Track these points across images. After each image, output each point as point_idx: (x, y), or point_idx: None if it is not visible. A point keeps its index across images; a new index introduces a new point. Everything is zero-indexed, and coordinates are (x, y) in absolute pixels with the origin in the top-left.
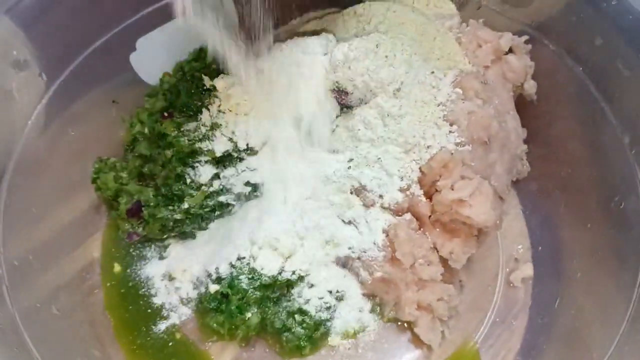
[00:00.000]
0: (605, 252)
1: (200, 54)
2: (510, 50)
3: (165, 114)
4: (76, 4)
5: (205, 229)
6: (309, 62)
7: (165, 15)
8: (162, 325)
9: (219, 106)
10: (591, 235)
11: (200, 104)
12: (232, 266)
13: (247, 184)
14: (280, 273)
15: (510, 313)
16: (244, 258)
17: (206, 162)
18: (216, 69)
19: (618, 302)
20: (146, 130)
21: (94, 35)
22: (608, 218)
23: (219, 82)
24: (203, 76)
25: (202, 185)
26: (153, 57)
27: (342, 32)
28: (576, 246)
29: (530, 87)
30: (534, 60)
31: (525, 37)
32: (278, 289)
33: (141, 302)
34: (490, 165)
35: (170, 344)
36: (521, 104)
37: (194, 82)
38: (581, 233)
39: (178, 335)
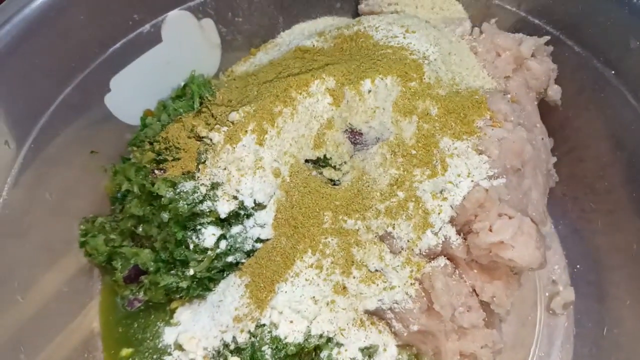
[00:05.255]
0: None
1: (185, 90)
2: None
3: (156, 172)
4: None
5: (213, 290)
6: (313, 103)
7: (138, 47)
8: None
9: (217, 162)
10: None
11: (195, 158)
12: (252, 334)
13: (258, 240)
14: (307, 339)
15: (554, 345)
16: (264, 325)
17: (209, 223)
18: (209, 111)
19: None
20: (135, 189)
21: (60, 84)
22: None
23: (216, 135)
24: (193, 123)
25: (207, 249)
26: (131, 97)
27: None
28: (616, 260)
29: (555, 92)
30: (555, 62)
31: (546, 38)
32: (305, 356)
33: None
34: (526, 194)
35: None
36: (543, 109)
37: (184, 129)
38: (620, 243)
39: None
